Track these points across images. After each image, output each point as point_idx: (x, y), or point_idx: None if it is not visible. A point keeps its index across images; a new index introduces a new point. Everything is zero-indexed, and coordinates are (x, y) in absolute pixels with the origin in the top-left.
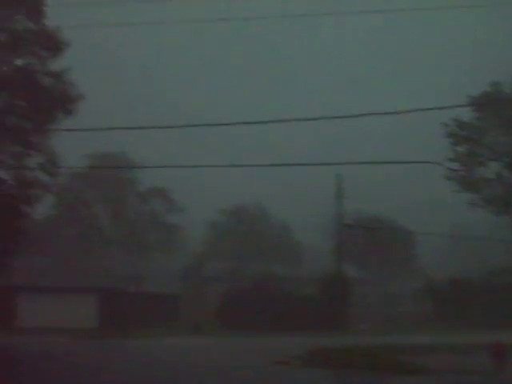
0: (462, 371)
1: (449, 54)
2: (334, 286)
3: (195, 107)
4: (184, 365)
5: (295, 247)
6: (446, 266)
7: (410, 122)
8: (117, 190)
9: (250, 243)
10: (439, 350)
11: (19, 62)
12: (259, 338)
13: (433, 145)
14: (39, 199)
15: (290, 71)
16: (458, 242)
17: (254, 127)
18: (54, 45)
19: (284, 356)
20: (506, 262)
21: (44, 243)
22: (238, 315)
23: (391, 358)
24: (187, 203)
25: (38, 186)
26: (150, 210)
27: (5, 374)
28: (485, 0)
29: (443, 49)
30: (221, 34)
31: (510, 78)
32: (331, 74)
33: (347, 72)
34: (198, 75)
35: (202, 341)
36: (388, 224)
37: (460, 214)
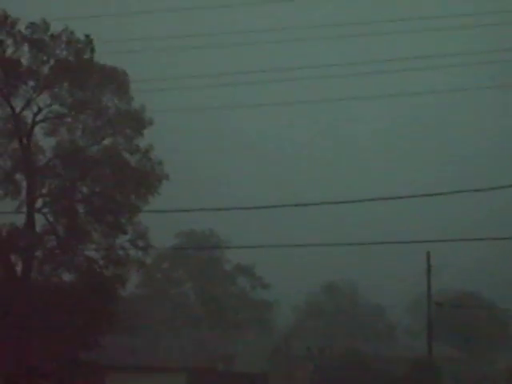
0: None
1: None
2: (425, 365)
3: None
4: None
5: (386, 326)
6: None
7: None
8: (205, 268)
9: (339, 321)
10: None
11: (106, 141)
12: None
13: None
14: (129, 278)
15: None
16: None
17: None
18: (138, 124)
19: None
20: None
21: (133, 322)
22: None
23: None
24: (276, 280)
25: (128, 264)
26: (239, 287)
27: None
28: None
29: None
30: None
31: None
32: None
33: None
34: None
35: None
36: (482, 302)
37: None
